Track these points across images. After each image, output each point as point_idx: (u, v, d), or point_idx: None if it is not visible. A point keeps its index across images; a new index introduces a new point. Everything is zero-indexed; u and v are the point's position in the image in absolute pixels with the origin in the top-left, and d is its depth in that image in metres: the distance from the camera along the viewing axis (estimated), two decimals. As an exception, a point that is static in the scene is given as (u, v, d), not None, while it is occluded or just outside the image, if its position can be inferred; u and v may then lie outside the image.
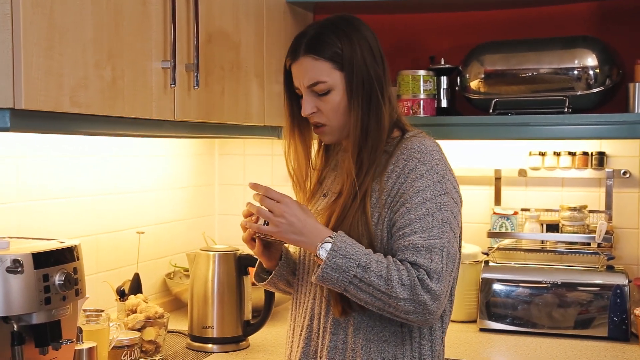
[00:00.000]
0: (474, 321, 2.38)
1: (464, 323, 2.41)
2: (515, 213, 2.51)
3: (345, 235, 1.46)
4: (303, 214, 1.47)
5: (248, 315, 2.15)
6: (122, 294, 2.13)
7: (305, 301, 1.61)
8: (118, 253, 2.30)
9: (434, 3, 2.41)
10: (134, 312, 2.00)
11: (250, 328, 2.14)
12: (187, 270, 2.51)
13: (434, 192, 1.47)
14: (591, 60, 2.26)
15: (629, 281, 2.26)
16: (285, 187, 1.69)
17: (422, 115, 2.42)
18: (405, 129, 1.59)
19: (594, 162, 2.47)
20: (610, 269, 2.32)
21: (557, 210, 2.50)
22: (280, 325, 2.34)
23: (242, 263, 2.12)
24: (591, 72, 2.26)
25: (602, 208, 2.48)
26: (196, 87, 1.78)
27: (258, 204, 1.50)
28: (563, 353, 2.10)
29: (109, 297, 2.16)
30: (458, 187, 1.55)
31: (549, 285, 2.29)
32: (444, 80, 2.48)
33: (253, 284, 1.91)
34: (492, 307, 2.32)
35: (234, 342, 2.12)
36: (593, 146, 2.50)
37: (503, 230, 2.50)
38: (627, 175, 2.46)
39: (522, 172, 2.56)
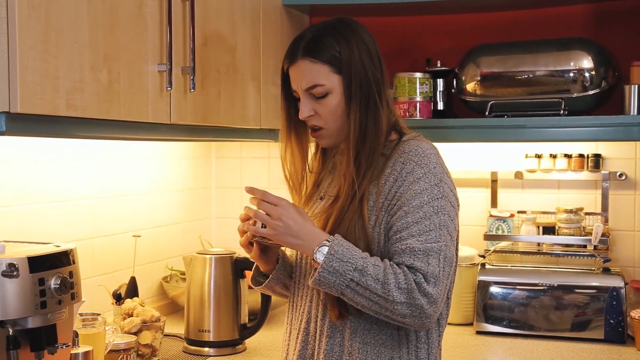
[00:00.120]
0: (471, 324, 2.38)
1: (461, 326, 2.41)
2: (512, 215, 2.51)
3: (342, 239, 1.46)
4: (300, 217, 1.47)
5: (245, 318, 2.15)
6: (118, 298, 2.12)
7: (301, 304, 1.60)
8: (114, 256, 2.30)
9: (430, 5, 2.41)
10: (130, 315, 1.99)
11: (247, 331, 2.14)
12: (183, 274, 2.50)
13: (432, 195, 1.47)
14: (587, 63, 2.26)
15: (625, 283, 2.26)
16: (282, 189, 1.69)
17: (418, 117, 2.42)
18: (403, 132, 1.59)
19: (590, 164, 2.48)
20: (606, 271, 2.32)
21: (554, 213, 2.50)
22: (277, 328, 2.34)
23: (238, 266, 2.12)
24: (587, 74, 2.26)
25: (598, 210, 2.49)
26: (192, 90, 1.78)
27: (255, 208, 1.49)
28: (559, 355, 2.10)
29: (105, 300, 2.15)
30: (455, 190, 1.55)
31: (545, 287, 2.29)
32: (440, 82, 2.49)
33: (249, 287, 1.91)
34: (488, 310, 2.32)
35: (231, 345, 2.12)
36: (589, 148, 2.50)
37: (499, 232, 2.50)
38: (623, 177, 2.46)
39: (518, 175, 2.56)
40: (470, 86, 2.40)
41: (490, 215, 2.52)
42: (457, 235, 1.56)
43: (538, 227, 2.49)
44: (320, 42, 1.53)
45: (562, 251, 2.44)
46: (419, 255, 1.43)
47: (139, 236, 2.32)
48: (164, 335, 2.06)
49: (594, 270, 2.32)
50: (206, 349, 2.10)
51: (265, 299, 2.07)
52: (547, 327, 2.28)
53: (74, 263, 1.48)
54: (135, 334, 1.93)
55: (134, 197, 2.42)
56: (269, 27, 2.25)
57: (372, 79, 1.53)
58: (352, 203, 1.50)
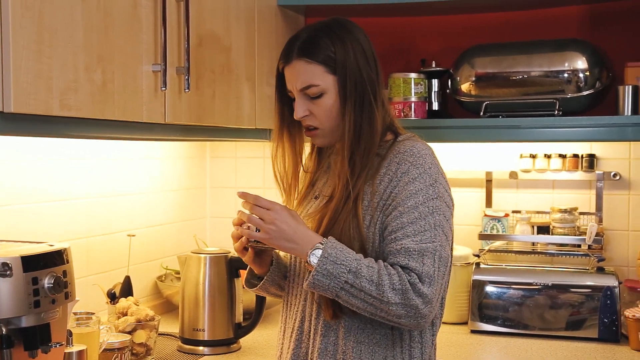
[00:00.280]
0: (465, 323, 2.39)
1: (455, 325, 2.41)
2: (506, 215, 2.52)
3: (336, 241, 1.46)
4: (293, 221, 1.47)
5: (239, 317, 2.15)
6: (112, 297, 2.13)
7: (295, 303, 1.61)
8: (109, 256, 2.30)
9: (425, 6, 2.41)
10: (125, 314, 1.99)
11: (242, 330, 2.14)
12: (178, 273, 2.51)
13: (427, 195, 1.47)
14: (581, 63, 2.27)
15: (619, 283, 2.27)
16: (276, 189, 1.69)
17: (413, 118, 2.43)
18: (398, 132, 1.59)
19: (584, 164, 2.48)
20: (600, 270, 2.33)
21: (548, 213, 2.51)
22: (272, 327, 2.34)
23: (233, 265, 2.12)
24: (581, 75, 2.27)
25: (593, 210, 2.49)
26: (187, 90, 1.79)
27: (248, 212, 1.50)
28: (554, 354, 2.11)
29: (100, 299, 2.15)
30: (450, 190, 1.55)
31: (539, 287, 2.30)
32: (435, 83, 2.49)
33: (244, 287, 1.91)
34: (483, 309, 2.33)
35: (225, 344, 2.12)
36: (583, 148, 2.51)
37: (494, 232, 2.51)
38: (617, 177, 2.47)
39: (513, 175, 2.57)
40: (465, 86, 2.41)
41: (485, 215, 2.53)
42: (452, 235, 1.56)
43: (532, 226, 2.49)
44: (316, 43, 1.53)
45: (557, 251, 2.44)
46: (414, 255, 1.44)
47: (133, 235, 2.32)
48: (159, 334, 2.07)
49: (588, 269, 2.33)
50: (201, 348, 2.10)
51: (260, 298, 2.07)
52: (542, 326, 2.28)
53: (67, 262, 1.48)
54: (129, 333, 1.93)
55: (129, 197, 2.42)
56: (263, 28, 2.26)
57: (367, 80, 1.53)
58: (347, 203, 1.50)
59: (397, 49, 2.65)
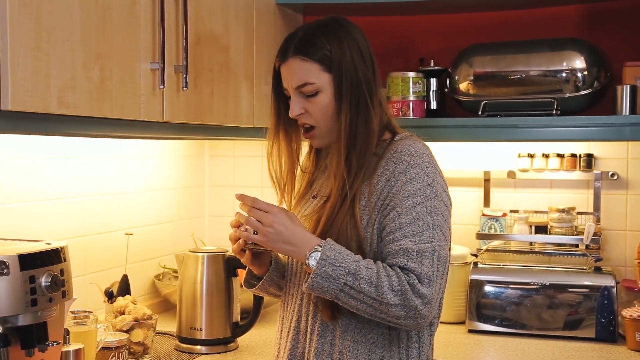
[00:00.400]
0: (463, 322, 2.39)
1: (453, 324, 2.41)
2: (504, 215, 2.52)
3: (334, 243, 1.46)
4: (291, 223, 1.47)
5: (237, 316, 2.15)
6: (110, 296, 2.12)
7: (292, 303, 1.61)
8: (107, 254, 2.29)
9: (424, 5, 2.41)
10: (122, 313, 1.99)
11: (239, 329, 2.14)
12: (176, 272, 2.50)
13: (425, 195, 1.47)
14: (579, 63, 2.27)
15: (617, 282, 2.27)
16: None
17: (411, 117, 2.43)
18: (396, 132, 1.59)
19: (582, 164, 2.49)
20: (598, 270, 2.33)
21: (546, 212, 2.51)
22: (269, 326, 2.34)
23: (230, 264, 2.12)
24: (579, 75, 2.27)
25: (590, 210, 2.49)
26: (185, 89, 1.78)
27: (246, 214, 1.50)
28: (551, 354, 2.11)
29: (97, 298, 2.15)
30: (448, 189, 1.55)
31: (537, 286, 2.30)
32: (433, 82, 2.49)
33: (242, 286, 1.91)
34: (481, 309, 2.33)
35: (223, 343, 2.12)
36: (581, 148, 2.51)
37: (492, 231, 2.51)
38: (615, 177, 2.47)
39: (511, 174, 2.57)
40: (463, 86, 2.41)
41: (483, 215, 2.53)
42: (450, 235, 1.56)
43: (530, 226, 2.49)
44: (312, 41, 1.53)
45: (554, 250, 2.44)
46: (413, 256, 1.43)
47: (131, 234, 2.32)
48: (156, 333, 2.06)
49: (585, 269, 2.33)
50: (198, 347, 2.10)
51: (258, 298, 2.07)
52: (539, 325, 2.28)
53: (65, 261, 1.48)
54: (127, 331, 1.93)
55: (127, 195, 2.41)
56: (262, 26, 2.25)
57: (363, 79, 1.53)
58: (344, 203, 1.50)
59: (396, 48, 2.65)
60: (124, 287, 2.19)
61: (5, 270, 1.35)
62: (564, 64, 2.28)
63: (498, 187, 2.60)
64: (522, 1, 2.45)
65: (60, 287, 1.44)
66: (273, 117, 1.64)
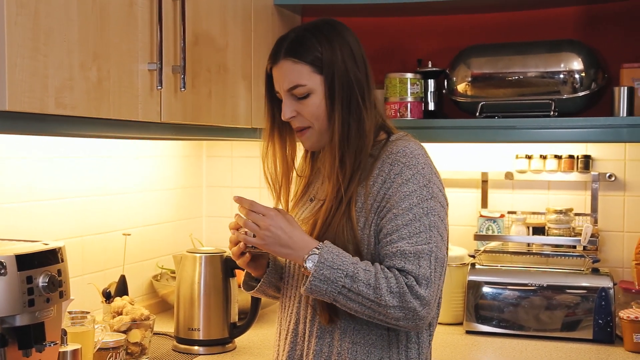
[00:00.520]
0: (461, 323, 2.39)
1: (451, 325, 2.41)
2: (502, 216, 2.52)
3: (332, 246, 1.45)
4: (289, 226, 1.47)
5: (234, 317, 2.15)
6: (108, 296, 2.12)
7: (290, 305, 1.61)
8: (104, 255, 2.29)
9: (422, 6, 2.41)
10: (120, 314, 1.99)
11: (237, 330, 2.14)
12: (173, 272, 2.50)
13: (421, 196, 1.47)
14: (577, 64, 2.27)
15: (614, 284, 2.27)
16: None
17: (409, 118, 2.43)
18: (391, 132, 1.59)
19: (579, 165, 2.49)
20: (595, 271, 2.33)
21: (543, 213, 2.51)
22: (267, 327, 2.34)
23: (228, 265, 2.12)
24: (577, 76, 2.27)
25: (588, 211, 2.50)
26: (183, 89, 1.78)
27: (244, 217, 1.50)
28: (549, 355, 2.11)
29: (95, 299, 2.15)
30: (444, 189, 1.55)
31: (535, 287, 2.30)
32: (431, 83, 2.49)
33: (239, 286, 1.91)
34: (478, 310, 2.33)
35: (220, 344, 2.12)
36: (579, 149, 2.51)
37: (489, 232, 2.51)
38: (613, 178, 2.48)
39: (508, 175, 2.57)
40: (461, 87, 2.41)
41: (481, 216, 2.53)
42: (447, 235, 1.56)
43: (528, 227, 2.50)
44: (303, 43, 1.53)
45: (552, 251, 2.45)
46: (410, 257, 1.43)
47: (129, 234, 2.32)
48: (154, 333, 2.06)
49: (583, 270, 2.33)
50: (196, 347, 2.10)
51: (255, 298, 2.06)
52: (537, 327, 2.29)
53: (62, 261, 1.48)
54: (124, 332, 1.93)
55: (125, 196, 2.41)
56: (260, 27, 2.25)
57: (355, 80, 1.52)
58: (340, 205, 1.49)
59: (394, 49, 2.65)
60: (122, 288, 2.18)
61: (2, 271, 1.34)
62: (562, 65, 2.28)
63: (496, 188, 2.60)
64: (520, 3, 2.45)
65: (57, 287, 1.44)
66: (267, 120, 1.64)
